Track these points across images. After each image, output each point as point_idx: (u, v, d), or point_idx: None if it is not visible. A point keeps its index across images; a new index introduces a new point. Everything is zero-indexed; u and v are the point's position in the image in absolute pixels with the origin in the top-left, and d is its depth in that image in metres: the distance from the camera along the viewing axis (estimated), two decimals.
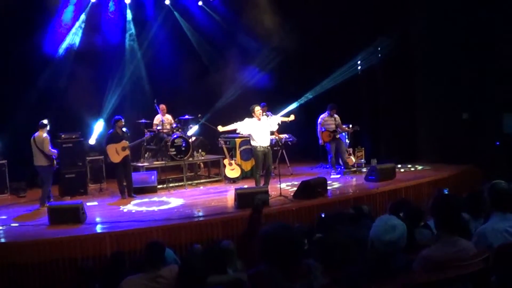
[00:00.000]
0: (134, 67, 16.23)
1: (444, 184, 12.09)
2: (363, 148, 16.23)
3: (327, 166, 15.67)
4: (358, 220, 7.34)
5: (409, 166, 15.59)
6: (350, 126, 15.40)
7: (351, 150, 15.93)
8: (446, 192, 10.00)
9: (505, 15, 14.26)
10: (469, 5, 14.60)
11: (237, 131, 12.47)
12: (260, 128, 12.22)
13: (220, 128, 12.57)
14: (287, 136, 15.54)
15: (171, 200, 12.43)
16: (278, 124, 12.91)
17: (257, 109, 12.22)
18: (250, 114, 12.32)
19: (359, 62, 16.66)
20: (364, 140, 16.25)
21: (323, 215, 7.58)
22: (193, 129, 15.12)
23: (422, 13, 16.08)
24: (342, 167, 15.02)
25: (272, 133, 13.04)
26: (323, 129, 14.98)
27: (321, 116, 15.04)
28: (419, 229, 6.40)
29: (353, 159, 15.84)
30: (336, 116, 15.02)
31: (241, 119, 12.48)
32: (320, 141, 15.17)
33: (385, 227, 4.57)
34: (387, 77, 16.53)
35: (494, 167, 13.66)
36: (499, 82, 14.23)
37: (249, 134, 12.34)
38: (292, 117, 13.13)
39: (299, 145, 16.23)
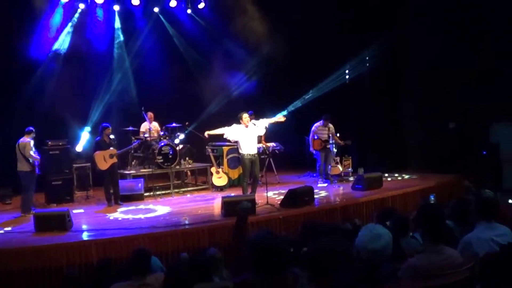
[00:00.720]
0: (122, 74, 16.17)
1: (431, 194, 12.03)
2: (350, 157, 16.22)
3: (314, 175, 15.69)
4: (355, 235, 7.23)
5: (396, 175, 15.63)
6: (341, 140, 15.47)
7: (338, 159, 15.90)
8: (432, 198, 10.28)
9: (492, 25, 14.46)
10: (458, 14, 14.78)
11: (224, 136, 12.36)
12: (248, 135, 12.15)
13: (207, 133, 12.50)
14: (274, 145, 15.52)
15: (158, 208, 12.37)
16: (266, 127, 12.83)
17: (245, 116, 12.16)
18: (238, 122, 12.29)
19: (347, 71, 16.78)
20: (351, 149, 16.23)
21: (307, 225, 7.45)
22: (180, 137, 15.09)
23: (411, 23, 16.22)
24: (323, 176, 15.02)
25: (259, 141, 13.00)
26: (316, 137, 14.98)
27: (316, 124, 15.07)
28: (405, 238, 6.39)
29: (340, 168, 15.86)
30: (330, 125, 15.03)
31: (229, 125, 12.54)
32: (311, 148, 15.19)
33: (371, 236, 4.58)
34: (375, 86, 16.55)
35: (480, 176, 13.73)
36: (486, 91, 14.23)
37: (236, 141, 12.29)
38: (282, 118, 13.07)
39: (286, 153, 16.19)
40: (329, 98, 16.18)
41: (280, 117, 13.02)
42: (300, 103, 16.51)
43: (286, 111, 16.26)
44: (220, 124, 12.85)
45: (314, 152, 15.14)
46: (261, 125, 12.48)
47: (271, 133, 14.49)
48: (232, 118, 12.63)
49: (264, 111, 14.82)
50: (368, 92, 16.82)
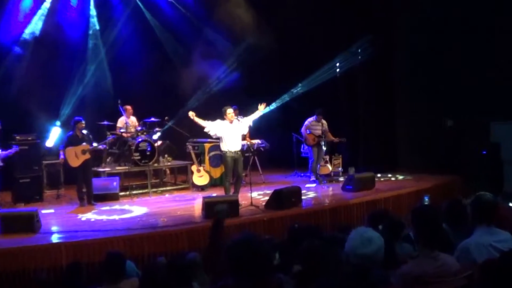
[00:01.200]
0: (97, 65, 16.08)
1: (426, 195, 11.67)
2: (340, 156, 16.32)
3: (302, 175, 15.85)
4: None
5: (389, 175, 15.73)
6: (335, 137, 15.42)
7: (327, 157, 15.94)
8: (427, 199, 10.32)
9: (491, 19, 14.45)
10: (453, 8, 14.79)
11: (205, 130, 12.18)
12: (231, 131, 12.08)
13: (191, 114, 12.19)
14: (260, 142, 15.57)
15: (134, 209, 12.34)
16: (250, 126, 12.82)
17: (229, 111, 12.08)
18: (221, 117, 12.20)
19: (338, 64, 16.74)
20: (341, 147, 16.32)
21: (296, 226, 7.46)
22: (159, 133, 15.08)
23: (406, 14, 16.22)
24: (311, 175, 15.12)
25: (243, 138, 12.95)
26: (309, 132, 15.11)
27: (308, 119, 15.17)
28: (399, 243, 6.37)
29: (329, 167, 15.94)
30: (323, 121, 15.15)
31: (211, 120, 12.39)
32: (304, 145, 15.41)
33: (361, 240, 4.55)
34: (367, 80, 16.63)
35: (479, 177, 13.73)
36: (487, 88, 14.22)
37: (218, 137, 12.21)
38: (262, 107, 12.64)
39: (273, 151, 16.27)
40: (319, 92, 16.12)
41: (260, 107, 12.59)
42: (288, 97, 16.45)
43: (274, 104, 16.22)
44: (202, 118, 12.77)
45: (306, 148, 15.29)
46: (245, 124, 12.47)
47: (256, 130, 14.48)
48: (215, 113, 12.60)
49: (249, 105, 14.56)
50: (360, 86, 16.91)
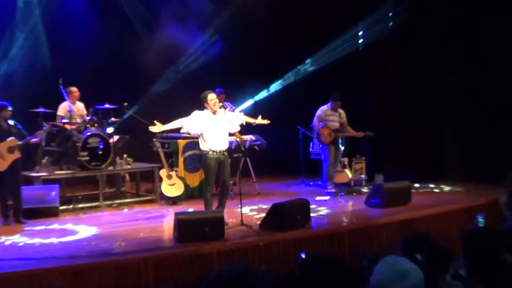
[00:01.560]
0: (29, 31, 16.11)
1: (479, 214, 11.95)
2: (363, 158, 16.47)
3: (311, 184, 16.04)
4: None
5: (432, 186, 15.79)
6: (357, 131, 15.60)
7: (346, 160, 16.01)
8: (482, 219, 10.46)
9: None
10: None
11: (182, 131, 12.29)
12: (215, 125, 12.05)
13: (156, 128, 12.28)
14: (253, 138, 15.65)
15: (80, 229, 12.31)
16: (242, 124, 12.85)
17: (211, 97, 12.06)
18: (200, 105, 12.15)
19: (360, 33, 16.85)
20: (365, 146, 16.51)
21: (303, 256, 7.63)
22: (116, 124, 15.18)
23: None
24: (327, 183, 15.19)
25: (232, 133, 12.88)
26: (323, 124, 15.23)
27: (321, 108, 15.30)
28: (445, 279, 6.33)
29: (349, 173, 16.01)
30: (341, 111, 15.31)
31: (187, 111, 12.27)
32: (314, 143, 15.70)
33: (392, 274, 4.50)
34: (399, 56, 16.54)
35: None
36: None
37: (198, 134, 12.16)
38: (265, 121, 13.05)
39: (271, 151, 16.35)
40: (334, 72, 16.15)
41: (261, 120, 12.99)
42: (293, 77, 16.54)
43: (272, 88, 16.52)
44: (175, 105, 13.14)
45: (318, 146, 15.44)
46: (235, 120, 12.55)
47: (248, 124, 14.08)
48: (192, 99, 12.72)
49: (239, 89, 14.98)
50: (390, 64, 16.85)
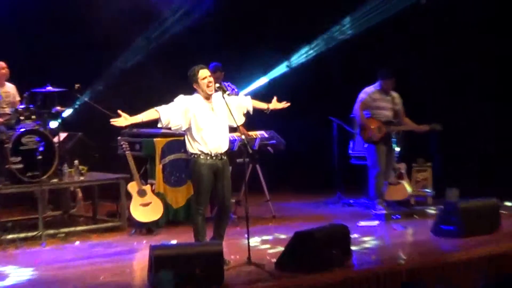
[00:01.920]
0: None
1: None
2: (429, 164, 15.05)
3: (352, 202, 14.69)
4: None
5: None
6: (419, 124, 14.30)
7: (403, 167, 14.63)
8: None
9: None
10: None
11: (159, 125, 10.48)
12: (209, 115, 10.52)
13: (122, 121, 10.41)
14: (266, 135, 14.33)
15: (9, 271, 10.76)
16: (248, 113, 11.11)
17: (203, 74, 10.39)
18: (187, 87, 10.64)
19: None
20: (431, 146, 15.08)
21: None
22: (62, 116, 14.16)
23: None
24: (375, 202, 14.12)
25: (234, 128, 11.35)
26: (368, 114, 14.17)
27: (366, 90, 14.22)
28: None
29: (407, 187, 14.56)
30: (395, 94, 14.24)
31: (167, 96, 10.61)
32: (355, 141, 14.51)
33: None
34: (477, 12, 15.55)
35: None
36: None
37: (185, 130, 10.59)
38: (283, 104, 11.21)
39: (292, 154, 15.23)
40: (384, 36, 15.03)
41: (283, 103, 11.10)
42: (323, 44, 14.95)
43: (287, 64, 15.14)
44: (148, 90, 12.91)
45: (361, 146, 14.51)
46: (240, 107, 10.87)
47: (259, 112, 12.39)
48: (174, 79, 12.43)
49: (244, 63, 14.01)
50: (461, 24, 15.74)
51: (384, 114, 13.99)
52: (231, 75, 13.69)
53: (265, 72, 15.47)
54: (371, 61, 14.85)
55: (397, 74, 14.29)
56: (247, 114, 11.26)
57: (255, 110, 11.29)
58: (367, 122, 14.16)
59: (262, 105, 11.29)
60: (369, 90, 14.21)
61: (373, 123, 14.09)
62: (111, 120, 10.70)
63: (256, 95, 12.09)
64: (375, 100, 14.05)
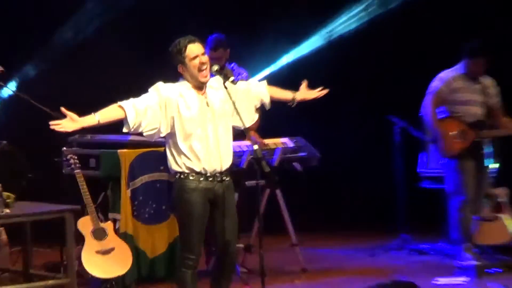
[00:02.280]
0: None
1: None
2: None
3: (425, 247, 12.71)
4: None
5: None
6: None
7: (503, 193, 11.92)
8: None
9: None
10: None
11: (125, 129, 7.87)
12: (203, 114, 8.03)
13: (69, 124, 7.81)
14: (290, 144, 11.96)
15: None
16: (263, 105, 8.51)
17: (194, 50, 7.91)
18: (171, 71, 8.34)
19: None
20: None
21: None
22: None
23: None
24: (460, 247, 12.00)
25: (241, 132, 9.02)
26: (446, 112, 11.54)
27: (441, 75, 11.38)
28: None
29: (509, 223, 12.09)
30: (488, 81, 11.47)
31: (136, 87, 8.20)
32: (428, 154, 12.58)
33: None
34: None
35: None
36: None
37: (165, 136, 8.04)
38: (318, 92, 8.61)
39: (329, 173, 13.80)
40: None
41: (317, 91, 8.56)
42: (371, 10, 13.91)
43: (324, 39, 13.91)
44: (109, 76, 11.84)
45: (436, 161, 12.56)
46: (250, 98, 8.39)
47: (277, 109, 9.68)
48: (148, 61, 12.10)
49: (256, 37, 12.62)
50: None
51: (471, 112, 11.40)
52: (241, 53, 11.52)
53: (286, 49, 13.25)
54: (454, 30, 12.63)
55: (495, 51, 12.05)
56: (261, 109, 8.77)
57: (275, 101, 8.77)
58: (444, 124, 11.61)
59: (285, 94, 8.78)
60: (446, 75, 11.38)
61: (453, 127, 11.53)
62: (52, 122, 7.97)
63: (275, 80, 9.39)
64: (457, 90, 11.34)
